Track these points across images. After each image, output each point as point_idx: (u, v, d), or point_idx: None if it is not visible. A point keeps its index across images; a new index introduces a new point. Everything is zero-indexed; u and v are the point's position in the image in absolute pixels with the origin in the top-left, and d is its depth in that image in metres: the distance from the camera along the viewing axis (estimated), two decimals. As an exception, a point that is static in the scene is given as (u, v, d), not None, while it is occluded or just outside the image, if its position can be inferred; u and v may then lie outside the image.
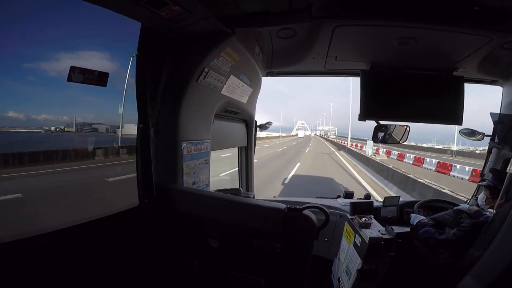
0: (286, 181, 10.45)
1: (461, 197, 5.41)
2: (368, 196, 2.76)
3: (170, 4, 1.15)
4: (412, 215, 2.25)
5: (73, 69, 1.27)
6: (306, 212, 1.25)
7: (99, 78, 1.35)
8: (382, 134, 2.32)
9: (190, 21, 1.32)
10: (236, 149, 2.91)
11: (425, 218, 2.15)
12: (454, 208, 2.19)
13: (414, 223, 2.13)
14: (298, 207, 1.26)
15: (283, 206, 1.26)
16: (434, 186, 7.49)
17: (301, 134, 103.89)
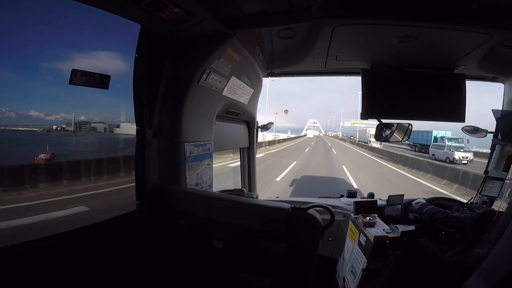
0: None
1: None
2: (371, 195, 2.74)
3: (170, 6, 1.15)
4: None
5: (74, 72, 1.26)
6: (311, 211, 1.24)
7: (100, 81, 1.35)
8: (386, 132, 2.31)
9: (191, 23, 1.33)
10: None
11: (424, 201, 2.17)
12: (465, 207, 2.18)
13: (413, 204, 2.14)
14: (302, 206, 1.26)
15: (287, 206, 1.26)
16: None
17: (310, 134, 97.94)
